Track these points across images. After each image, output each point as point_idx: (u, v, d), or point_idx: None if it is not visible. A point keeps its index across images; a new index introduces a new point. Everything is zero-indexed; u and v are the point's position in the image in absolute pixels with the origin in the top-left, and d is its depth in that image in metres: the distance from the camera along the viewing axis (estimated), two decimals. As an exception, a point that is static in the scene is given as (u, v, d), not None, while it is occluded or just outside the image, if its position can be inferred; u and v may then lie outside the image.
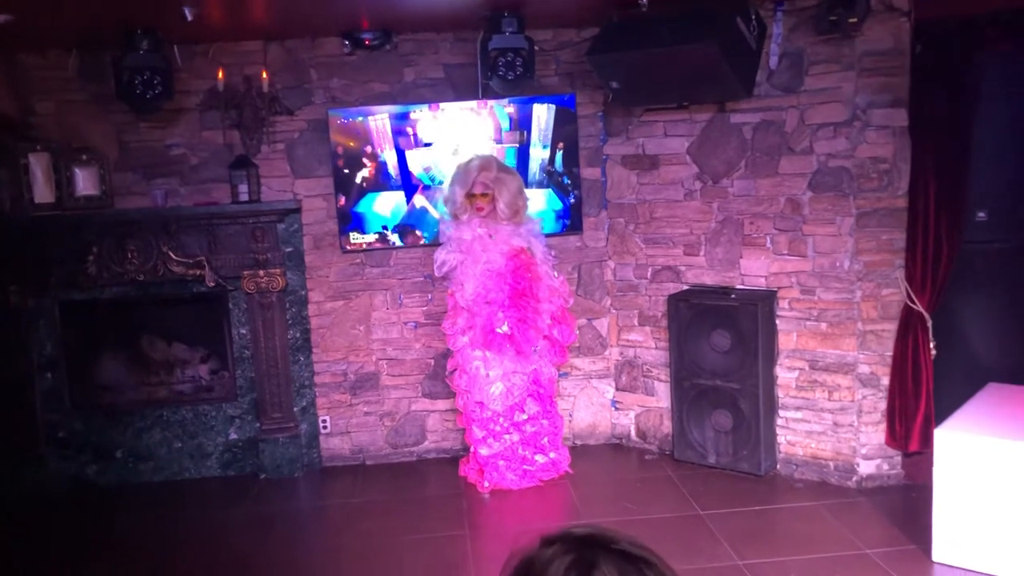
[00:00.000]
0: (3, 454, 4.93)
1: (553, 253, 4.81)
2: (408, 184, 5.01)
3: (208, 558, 4.11)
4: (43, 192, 4.81)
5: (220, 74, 4.80)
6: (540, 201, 5.03)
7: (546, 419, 4.79)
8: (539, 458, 4.76)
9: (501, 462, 4.68)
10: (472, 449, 4.78)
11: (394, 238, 5.07)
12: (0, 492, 4.86)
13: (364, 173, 4.97)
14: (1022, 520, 3.40)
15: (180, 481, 5.10)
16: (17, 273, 4.83)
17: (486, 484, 4.67)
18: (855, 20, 4.09)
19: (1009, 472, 3.41)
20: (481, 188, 4.54)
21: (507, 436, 4.68)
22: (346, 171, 4.96)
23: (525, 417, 4.71)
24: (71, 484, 5.01)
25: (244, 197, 4.87)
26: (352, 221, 5.01)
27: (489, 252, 4.55)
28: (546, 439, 4.79)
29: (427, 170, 5.00)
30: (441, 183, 4.93)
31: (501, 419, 4.65)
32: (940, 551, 3.61)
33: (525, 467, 4.72)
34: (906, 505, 4.22)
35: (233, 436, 5.16)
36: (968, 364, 4.37)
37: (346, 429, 5.26)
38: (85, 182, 4.84)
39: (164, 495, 4.94)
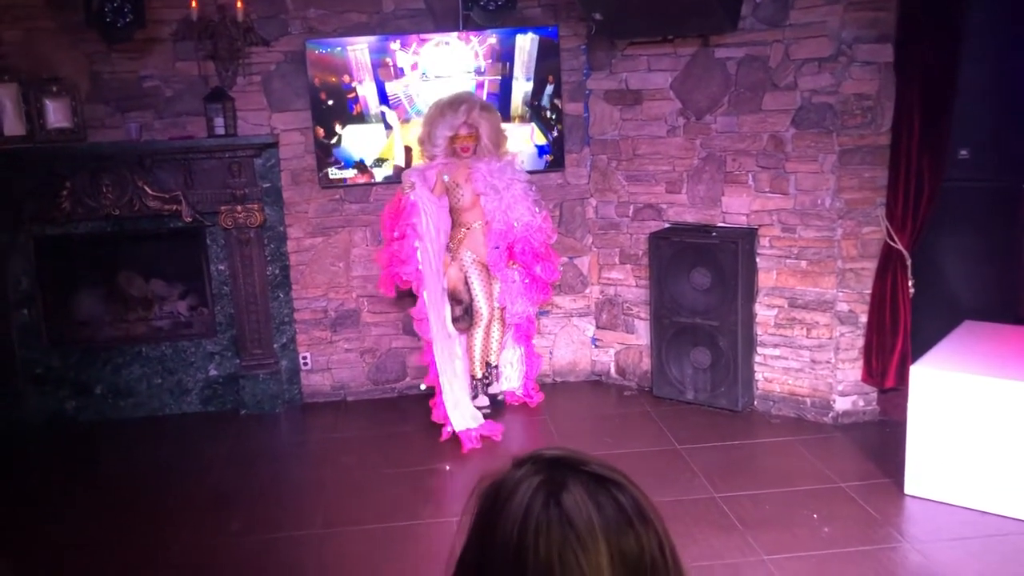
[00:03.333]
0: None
1: (534, 188, 4.75)
2: (388, 117, 4.93)
3: (190, 491, 4.12)
4: (13, 124, 4.70)
5: (193, 2, 4.66)
6: (524, 136, 4.97)
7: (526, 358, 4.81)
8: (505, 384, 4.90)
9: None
10: (437, 388, 4.56)
11: (373, 173, 5.00)
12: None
13: (343, 106, 4.88)
14: (991, 454, 3.47)
15: (161, 417, 5.10)
16: (-12, 208, 4.75)
17: (450, 429, 4.45)
18: (843, -48, 4.01)
19: (981, 407, 3.46)
20: (467, 129, 4.47)
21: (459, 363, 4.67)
22: (324, 104, 4.87)
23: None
24: (50, 420, 5.00)
25: (220, 131, 4.78)
26: (331, 155, 4.94)
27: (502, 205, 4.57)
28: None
29: (408, 102, 4.92)
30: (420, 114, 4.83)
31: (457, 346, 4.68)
32: (912, 484, 3.67)
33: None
34: (880, 441, 4.28)
35: (213, 372, 5.15)
36: (946, 302, 4.40)
37: (327, 366, 5.26)
38: (56, 114, 4.73)
39: (145, 431, 4.94)
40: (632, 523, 0.90)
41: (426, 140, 4.57)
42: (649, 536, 0.91)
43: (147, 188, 4.79)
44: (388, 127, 4.94)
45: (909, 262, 4.29)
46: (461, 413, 4.47)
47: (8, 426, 4.87)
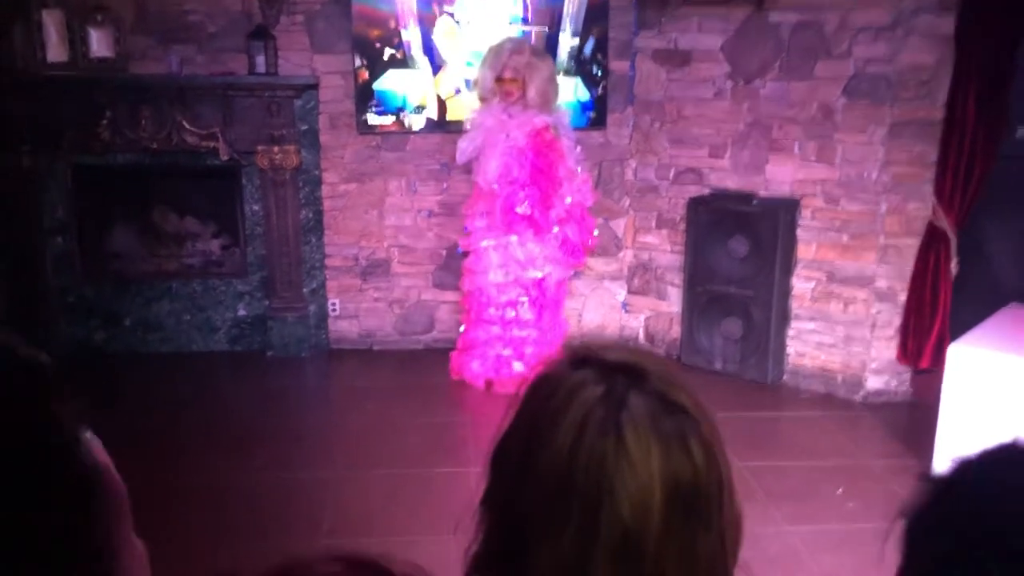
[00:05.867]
0: (11, 315, 4.94)
1: (579, 148, 4.65)
2: (432, 64, 4.86)
3: (212, 427, 4.14)
4: (57, 51, 4.69)
5: (242, -63, 4.61)
6: (567, 90, 4.87)
7: (536, 329, 4.62)
8: (516, 365, 4.58)
9: (474, 363, 4.63)
10: (463, 330, 4.71)
11: (412, 121, 4.94)
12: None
13: (386, 50, 4.82)
14: (1029, 439, 3.37)
15: (187, 353, 5.12)
16: (29, 133, 4.75)
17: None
18: (911, -85, 3.87)
19: (1020, 391, 3.37)
20: (511, 73, 4.35)
21: (493, 328, 4.59)
22: (367, 48, 4.81)
23: (513, 314, 4.56)
24: (78, 349, 5.03)
25: (261, 69, 4.74)
26: (371, 99, 4.88)
27: (510, 130, 4.40)
28: (530, 349, 4.59)
29: (451, 50, 4.85)
30: (471, 65, 4.77)
31: (492, 309, 4.59)
32: (942, 466, 3.59)
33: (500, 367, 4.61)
34: (911, 422, 4.21)
35: (242, 312, 5.16)
36: (990, 284, 4.29)
37: (355, 313, 5.25)
38: (100, 43, 4.71)
39: (171, 366, 4.96)
40: (691, 452, 0.85)
41: (478, 82, 4.52)
42: (709, 467, 0.86)
43: (185, 123, 4.77)
44: (433, 71, 4.87)
45: (954, 241, 4.18)
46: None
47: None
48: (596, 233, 4.74)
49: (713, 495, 0.86)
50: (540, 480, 0.85)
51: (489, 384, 4.58)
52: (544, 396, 0.89)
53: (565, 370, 0.90)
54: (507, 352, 4.59)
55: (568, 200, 4.48)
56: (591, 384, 0.87)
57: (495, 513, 0.91)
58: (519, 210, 4.41)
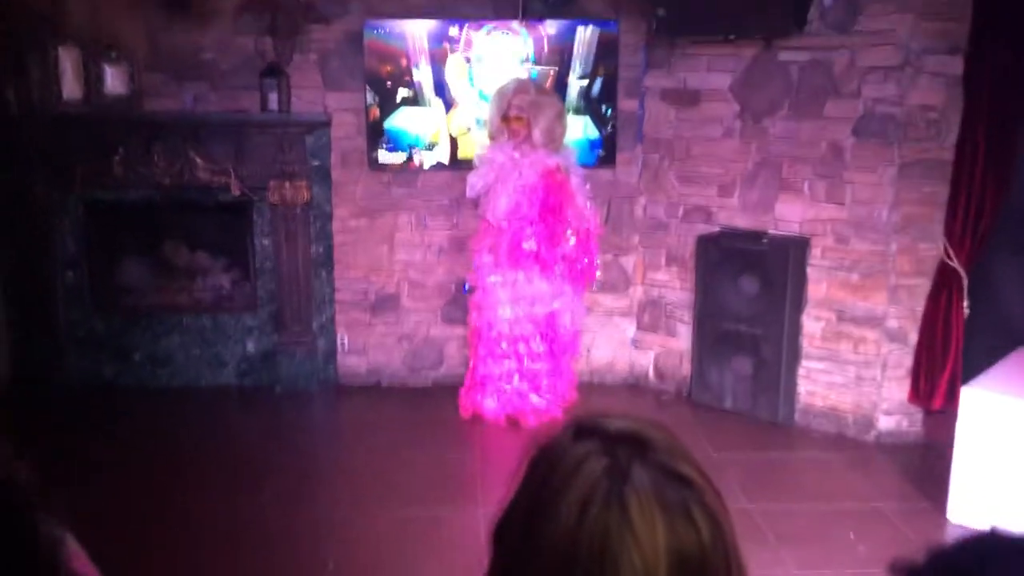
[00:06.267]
0: (22, 349, 4.96)
1: (588, 185, 4.66)
2: (444, 102, 4.90)
3: (220, 461, 4.14)
4: (72, 88, 4.75)
5: (257, -24, 4.67)
6: (577, 128, 4.90)
7: (549, 362, 4.62)
8: (534, 398, 4.59)
9: (490, 400, 4.63)
10: (471, 365, 4.72)
11: (422, 158, 4.97)
12: (18, 386, 4.90)
13: (397, 88, 4.86)
14: (1043, 484, 3.34)
15: (196, 388, 5.11)
16: (43, 169, 4.80)
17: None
18: (918, -42, 3.90)
19: (1035, 435, 3.34)
20: (516, 111, 4.39)
21: (507, 362, 4.58)
22: (379, 85, 4.85)
23: (525, 349, 4.56)
24: (88, 383, 5.03)
25: (274, 107, 4.79)
26: (382, 137, 4.91)
27: (523, 169, 4.41)
28: (546, 381, 4.61)
29: (460, 89, 4.89)
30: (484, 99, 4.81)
31: (504, 344, 4.59)
32: (956, 510, 3.56)
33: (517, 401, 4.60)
34: (923, 463, 4.16)
35: (251, 347, 5.16)
36: (1002, 325, 4.26)
37: (364, 348, 5.25)
38: (114, 80, 4.77)
39: (180, 400, 4.96)
40: (695, 522, 0.84)
41: (488, 122, 4.57)
42: (714, 537, 0.85)
43: (198, 159, 4.82)
44: (445, 109, 4.91)
45: (965, 281, 4.16)
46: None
47: (48, 386, 4.92)
48: (599, 263, 4.74)
49: (720, 567, 0.85)
50: (543, 554, 0.84)
51: (511, 420, 4.56)
52: (547, 469, 0.88)
53: (568, 442, 0.89)
54: (524, 386, 4.59)
55: (572, 241, 4.49)
56: (594, 457, 0.86)
57: None
58: (525, 246, 4.42)
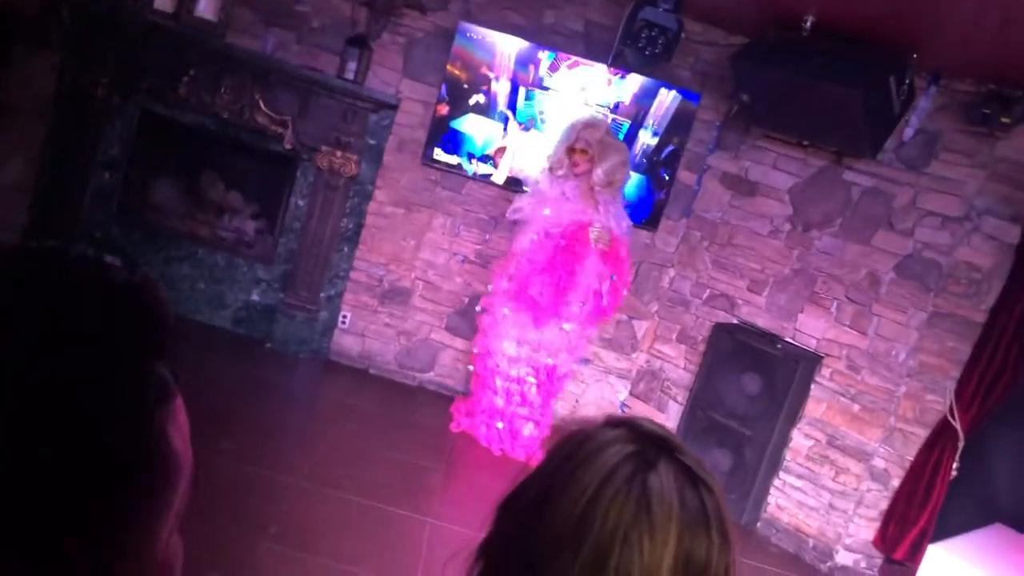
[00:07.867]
0: (37, 236, 4.96)
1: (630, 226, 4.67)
2: (514, 120, 4.93)
3: (189, 401, 4.09)
4: (164, 0, 4.79)
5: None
6: (631, 184, 4.92)
7: (539, 414, 4.64)
8: (526, 431, 4.60)
9: (482, 428, 4.62)
10: (472, 388, 4.74)
11: (475, 167, 4.99)
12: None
13: (472, 94, 4.90)
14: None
15: (190, 321, 5.11)
16: (112, 68, 4.82)
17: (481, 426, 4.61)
18: (1008, 121, 3.93)
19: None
20: (583, 144, 4.39)
21: (496, 399, 4.57)
22: (455, 86, 4.89)
23: (519, 397, 4.56)
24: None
25: (350, 76, 4.82)
26: (444, 135, 4.94)
27: (561, 213, 4.41)
28: (528, 428, 4.62)
29: (532, 114, 4.92)
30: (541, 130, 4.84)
31: (499, 380, 4.56)
32: None
33: (508, 435, 4.60)
34: (870, 608, 4.12)
35: (255, 297, 5.16)
36: (985, 497, 4.23)
37: (362, 332, 5.24)
38: (206, 4, 4.81)
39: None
40: (710, 531, 0.84)
41: (553, 152, 4.54)
42: (722, 551, 0.85)
43: (262, 102, 4.84)
44: (507, 129, 4.94)
45: (962, 444, 4.14)
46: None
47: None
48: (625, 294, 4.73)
49: None
50: (553, 524, 0.83)
51: (501, 451, 4.57)
52: (573, 447, 0.89)
53: (598, 428, 0.90)
54: (500, 426, 4.57)
55: (575, 309, 4.45)
56: (621, 443, 0.87)
57: (495, 560, 0.90)
58: (531, 291, 4.43)
